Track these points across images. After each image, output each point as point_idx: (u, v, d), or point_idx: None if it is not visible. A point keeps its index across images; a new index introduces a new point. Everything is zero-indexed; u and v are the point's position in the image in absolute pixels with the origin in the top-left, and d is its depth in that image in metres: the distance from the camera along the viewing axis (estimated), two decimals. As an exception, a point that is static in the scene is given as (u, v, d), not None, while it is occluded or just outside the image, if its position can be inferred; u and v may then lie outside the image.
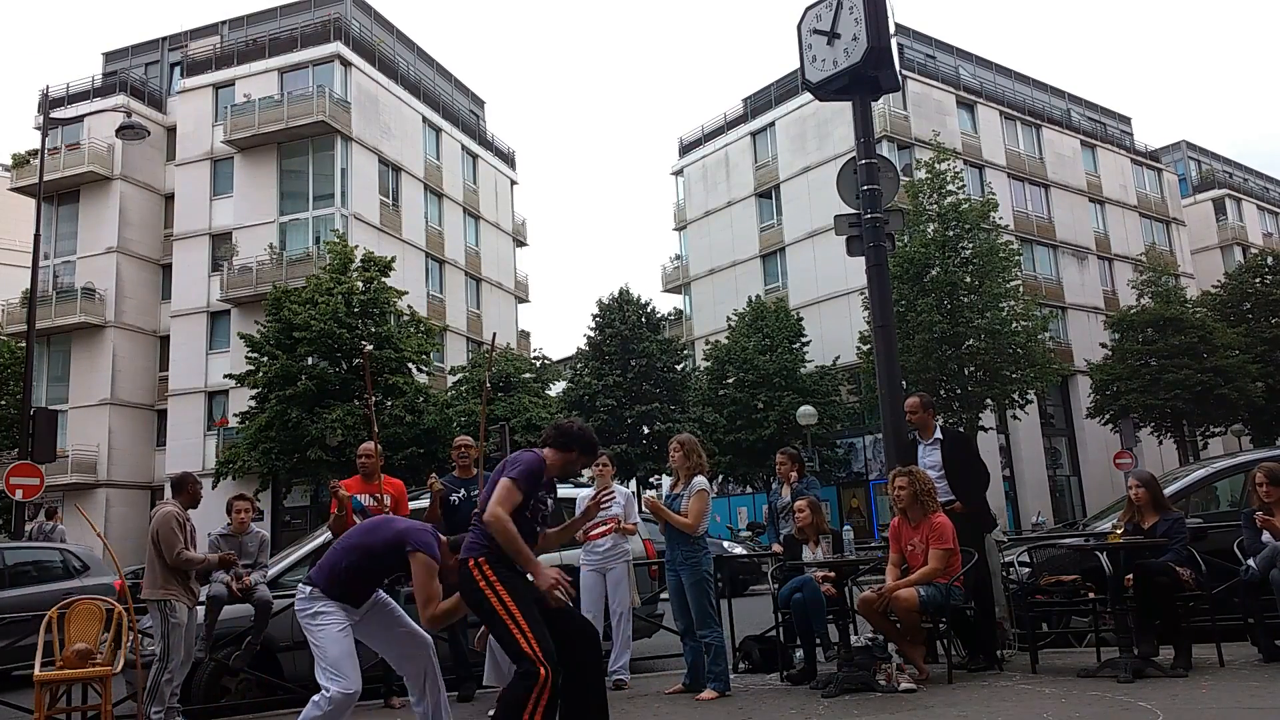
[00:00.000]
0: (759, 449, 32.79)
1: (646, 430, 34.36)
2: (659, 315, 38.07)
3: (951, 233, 29.83)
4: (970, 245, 29.99)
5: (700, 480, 6.68)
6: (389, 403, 26.86)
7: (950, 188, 30.47)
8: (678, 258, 49.51)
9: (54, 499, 32.78)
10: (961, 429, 26.75)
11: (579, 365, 36.26)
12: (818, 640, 7.10)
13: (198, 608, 6.67)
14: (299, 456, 26.30)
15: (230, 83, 37.33)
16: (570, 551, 7.70)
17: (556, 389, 37.00)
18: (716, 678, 6.47)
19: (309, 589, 4.54)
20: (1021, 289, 32.04)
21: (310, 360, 26.83)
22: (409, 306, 30.69)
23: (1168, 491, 7.40)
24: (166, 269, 38.42)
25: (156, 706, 6.22)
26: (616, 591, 7.14)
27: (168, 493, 37.03)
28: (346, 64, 36.32)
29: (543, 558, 8.30)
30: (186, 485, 6.87)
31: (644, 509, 7.97)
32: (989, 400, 30.84)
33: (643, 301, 36.47)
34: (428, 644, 4.78)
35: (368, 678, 7.21)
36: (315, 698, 4.37)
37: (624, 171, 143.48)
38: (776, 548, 7.96)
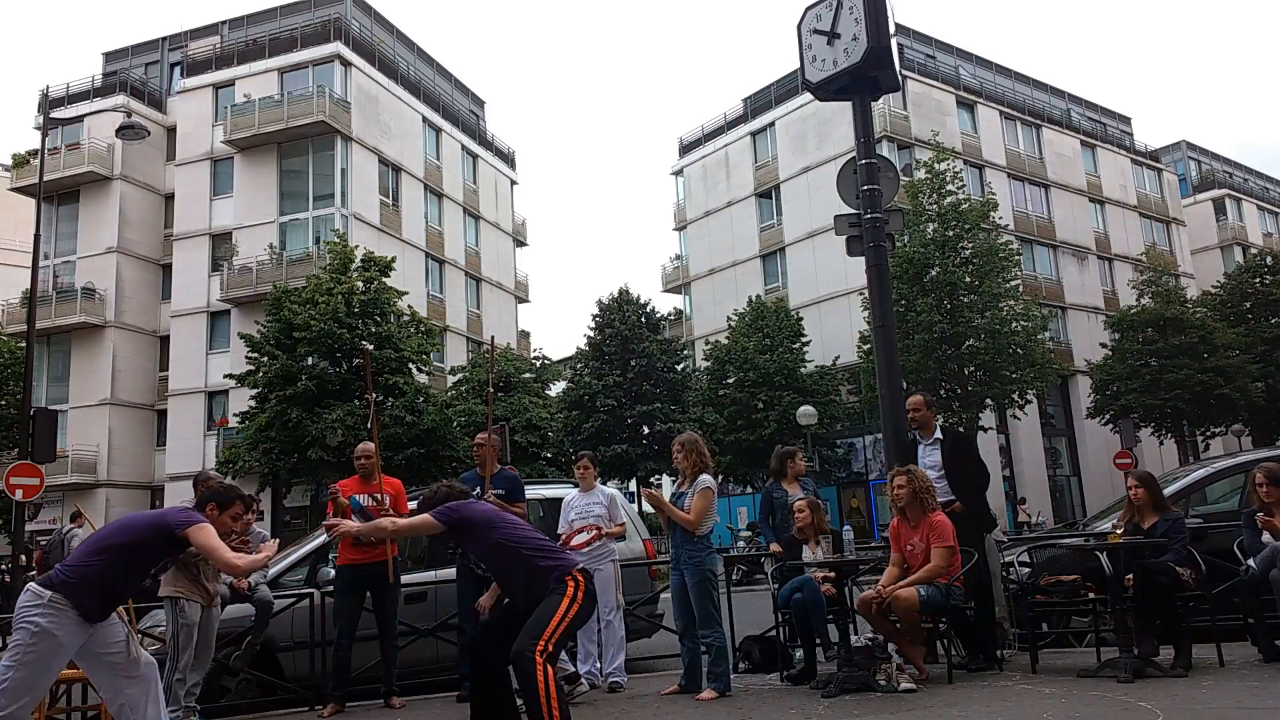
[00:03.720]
0: (759, 449, 32.79)
1: (647, 430, 34.35)
2: (659, 315, 38.05)
3: (951, 233, 29.82)
4: (970, 245, 29.98)
5: (705, 478, 6.67)
6: (389, 402, 26.86)
7: (950, 188, 30.47)
8: (678, 258, 49.50)
9: (54, 499, 32.84)
10: (961, 429, 26.77)
11: (579, 365, 36.24)
12: (818, 640, 7.10)
13: (214, 607, 6.55)
14: (299, 456, 26.29)
15: (230, 83, 37.32)
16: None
17: (556, 389, 36.99)
18: (717, 678, 6.46)
19: (48, 593, 4.13)
20: (1021, 289, 32.04)
21: (310, 360, 26.82)
22: (409, 306, 30.69)
23: (1168, 491, 7.40)
24: (166, 269, 38.42)
25: (172, 706, 6.17)
26: (605, 593, 7.07)
27: (168, 492, 36.58)
28: (346, 64, 36.32)
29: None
30: (198, 486, 6.78)
31: (643, 506, 7.95)
32: (989, 400, 30.84)
33: (642, 301, 36.46)
34: (144, 678, 4.42)
35: (367, 678, 7.26)
36: None
37: (624, 171, 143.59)
38: (775, 548, 7.96)
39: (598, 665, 7.20)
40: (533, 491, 8.89)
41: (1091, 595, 6.58)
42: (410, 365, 28.02)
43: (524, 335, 48.29)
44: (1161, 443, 37.30)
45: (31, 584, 4.30)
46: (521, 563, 4.68)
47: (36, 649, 4.08)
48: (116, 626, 4.44)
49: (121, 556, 4.28)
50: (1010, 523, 33.61)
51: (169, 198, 38.75)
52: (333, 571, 7.37)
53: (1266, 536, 6.32)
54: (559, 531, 7.47)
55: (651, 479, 34.45)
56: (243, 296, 33.97)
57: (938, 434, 7.35)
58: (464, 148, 43.72)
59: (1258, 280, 40.39)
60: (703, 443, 6.91)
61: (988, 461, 8.49)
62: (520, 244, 49.04)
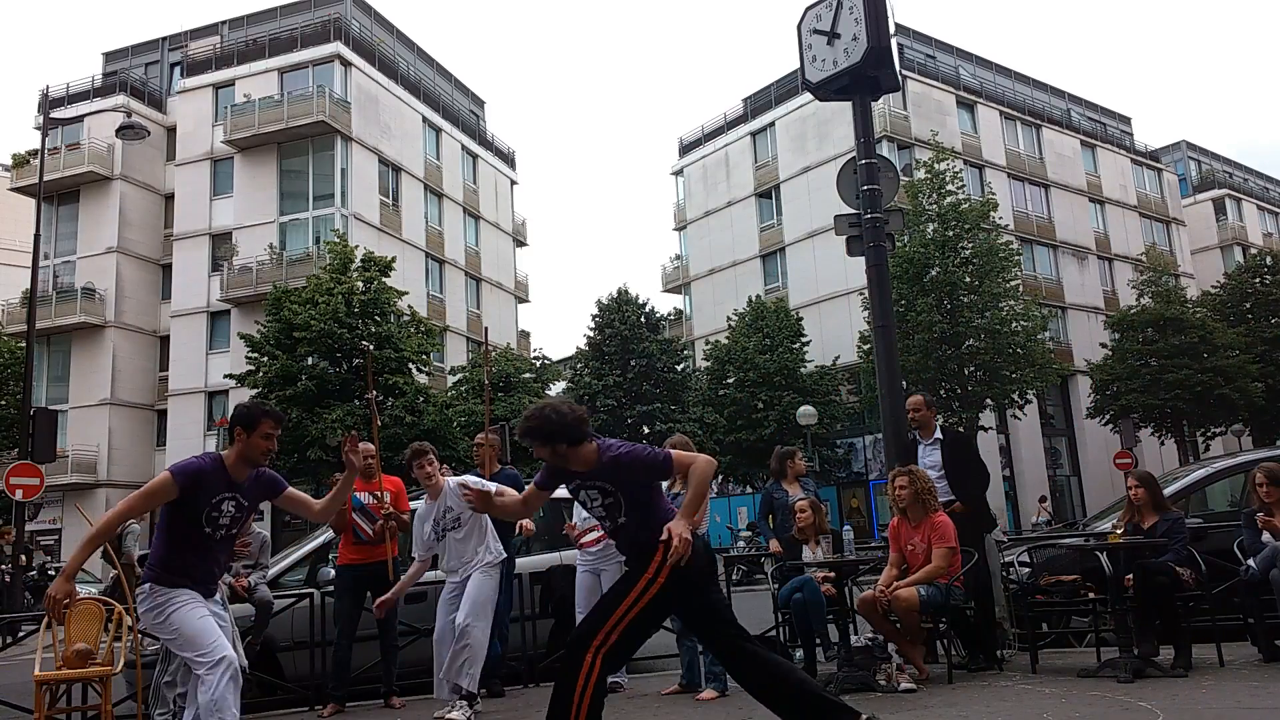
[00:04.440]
0: (759, 449, 32.80)
1: (647, 430, 34.36)
2: (659, 315, 38.06)
3: (951, 233, 29.83)
4: (970, 245, 29.99)
5: None
6: (389, 402, 26.89)
7: (950, 188, 30.48)
8: (678, 258, 49.51)
9: (54, 499, 32.83)
10: (961, 429, 26.76)
11: (579, 365, 36.27)
12: (818, 640, 7.09)
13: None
14: (299, 456, 26.31)
15: (230, 83, 37.34)
16: (568, 552, 7.70)
17: (556, 389, 37.00)
18: (716, 678, 6.45)
19: (147, 586, 4.23)
20: (1021, 289, 32.04)
21: (310, 360, 26.84)
22: (409, 306, 30.69)
23: (1168, 492, 7.39)
24: (166, 269, 38.43)
25: (161, 709, 6.15)
26: None
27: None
28: (346, 64, 36.33)
29: (541, 557, 8.30)
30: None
31: None
32: (989, 400, 30.84)
33: (642, 301, 36.47)
34: (201, 677, 4.32)
35: (367, 678, 7.26)
36: (199, 682, 4.10)
37: (624, 171, 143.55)
38: (775, 547, 7.95)
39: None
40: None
41: (1091, 595, 6.58)
42: (410, 365, 28.04)
43: (524, 335, 48.31)
44: (1162, 443, 37.29)
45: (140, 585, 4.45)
46: (646, 531, 3.99)
47: (165, 618, 4.15)
48: (223, 622, 4.49)
49: (165, 523, 4.33)
50: (1010, 522, 33.63)
51: (169, 198, 38.77)
52: (332, 571, 7.38)
53: (1266, 536, 6.31)
54: (567, 529, 7.44)
55: (651, 479, 34.41)
56: (243, 296, 33.98)
57: (938, 434, 7.35)
58: (464, 148, 43.73)
59: (1258, 280, 40.40)
60: (692, 445, 6.91)
61: (988, 461, 8.49)
62: (520, 244, 49.06)
